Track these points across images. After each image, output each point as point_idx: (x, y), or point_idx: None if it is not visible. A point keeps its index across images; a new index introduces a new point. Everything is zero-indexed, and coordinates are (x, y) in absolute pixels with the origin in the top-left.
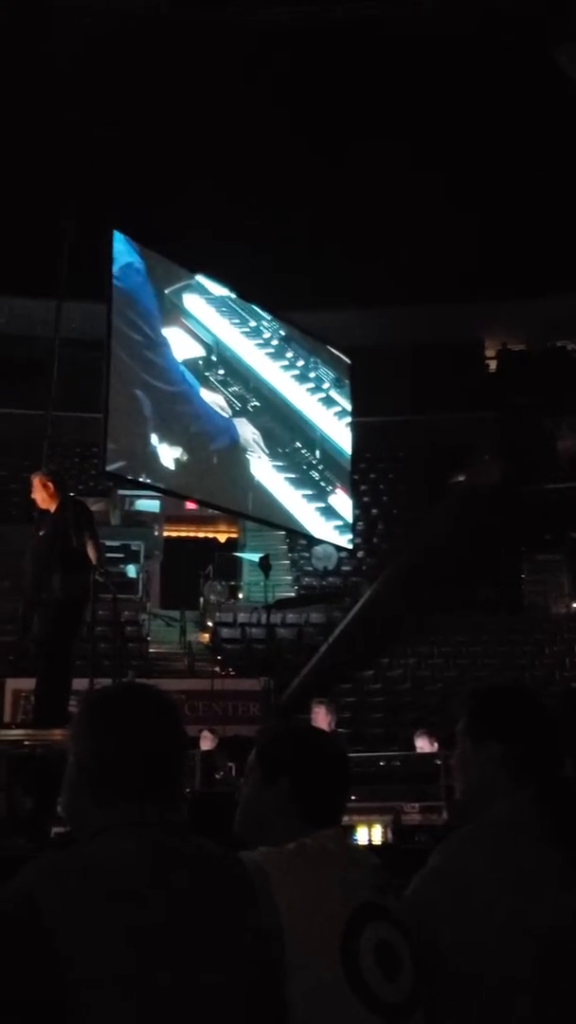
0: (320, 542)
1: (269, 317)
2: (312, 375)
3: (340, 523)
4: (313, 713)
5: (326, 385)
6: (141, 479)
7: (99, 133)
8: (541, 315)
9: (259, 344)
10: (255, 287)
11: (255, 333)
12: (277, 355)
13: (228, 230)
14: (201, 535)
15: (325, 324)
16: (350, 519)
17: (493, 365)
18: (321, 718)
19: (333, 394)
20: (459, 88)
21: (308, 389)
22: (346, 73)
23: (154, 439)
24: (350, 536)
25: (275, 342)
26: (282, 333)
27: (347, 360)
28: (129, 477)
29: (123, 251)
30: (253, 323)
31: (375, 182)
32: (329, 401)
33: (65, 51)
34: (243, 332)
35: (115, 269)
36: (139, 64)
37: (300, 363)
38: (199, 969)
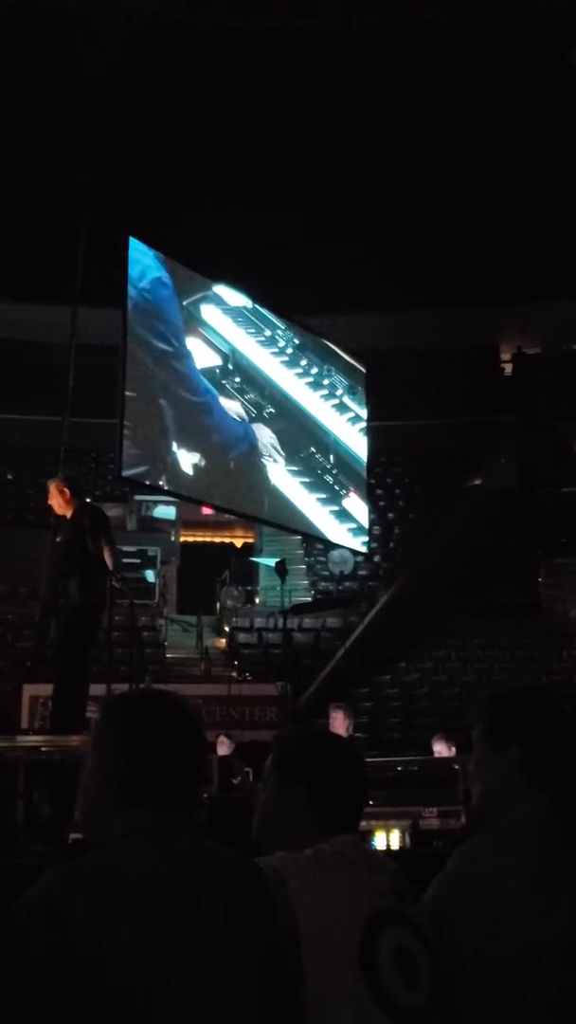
0: (336, 546)
1: (283, 326)
2: (326, 382)
3: (354, 526)
4: (331, 718)
5: (339, 391)
6: (159, 484)
7: (115, 140)
8: (556, 318)
9: (274, 352)
10: (270, 292)
11: (270, 342)
12: (291, 363)
13: (243, 236)
14: (218, 540)
15: (340, 328)
16: (365, 523)
17: (509, 368)
18: (339, 723)
19: (347, 400)
20: (473, 92)
21: (322, 396)
22: (359, 80)
23: (175, 447)
24: (364, 539)
25: (289, 350)
26: (296, 341)
27: (362, 368)
28: (147, 482)
29: (151, 265)
30: (268, 332)
31: (390, 186)
32: (343, 407)
33: (80, 60)
34: (258, 341)
35: (145, 282)
36: (153, 73)
37: (314, 370)
38: (217, 974)
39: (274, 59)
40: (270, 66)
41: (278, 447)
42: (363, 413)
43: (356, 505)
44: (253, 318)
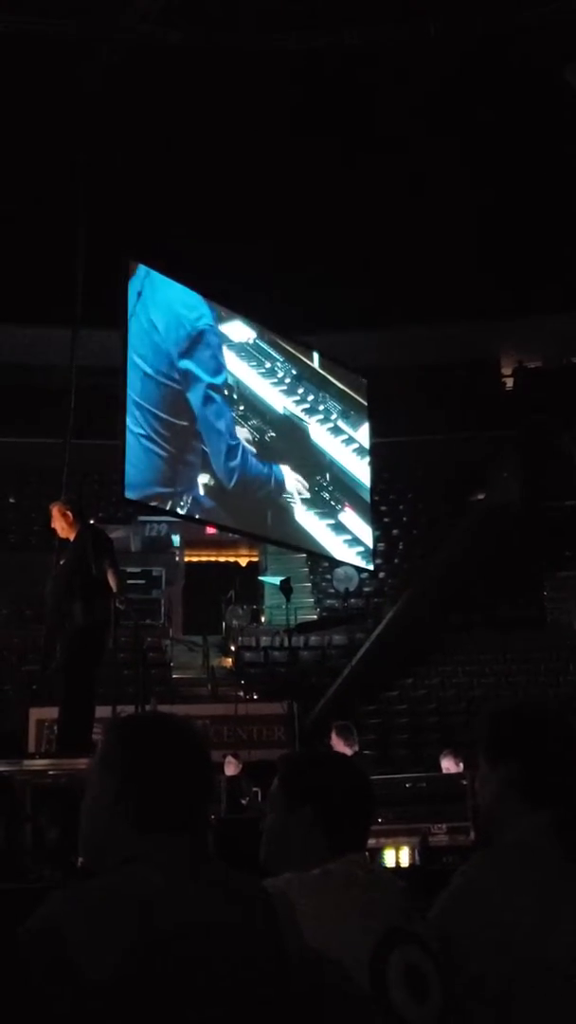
0: (341, 564)
1: (282, 359)
2: (321, 407)
3: (349, 537)
4: (332, 740)
5: (333, 416)
6: (176, 510)
7: (113, 162)
8: (557, 332)
9: (274, 383)
10: (269, 311)
11: (270, 373)
12: (289, 391)
13: (241, 254)
14: (222, 559)
15: (340, 345)
16: (361, 535)
17: (510, 383)
18: (340, 746)
19: (340, 423)
20: (471, 107)
21: (318, 420)
22: (358, 96)
23: (202, 478)
24: (360, 549)
25: (288, 380)
26: (293, 372)
27: (357, 396)
28: (153, 504)
29: (198, 305)
30: (268, 364)
31: (389, 202)
32: (337, 430)
33: (78, 82)
34: (259, 373)
35: (203, 322)
36: (151, 94)
37: (310, 397)
38: (226, 999)
39: (270, 77)
40: (266, 84)
41: (302, 489)
42: (356, 435)
43: (352, 519)
44: (254, 352)
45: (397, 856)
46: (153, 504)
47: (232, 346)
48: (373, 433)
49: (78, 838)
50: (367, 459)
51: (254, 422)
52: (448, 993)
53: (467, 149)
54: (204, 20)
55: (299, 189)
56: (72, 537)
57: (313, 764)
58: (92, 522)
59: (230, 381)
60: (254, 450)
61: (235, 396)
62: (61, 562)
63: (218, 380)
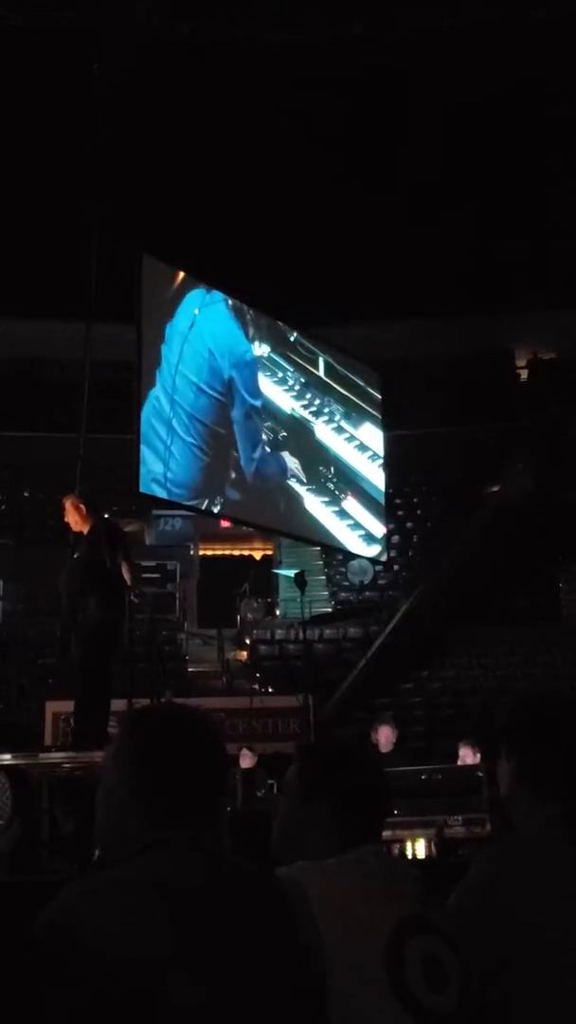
0: (355, 556)
1: (292, 368)
2: (327, 410)
3: (351, 522)
4: (378, 731)
5: (337, 417)
6: (203, 507)
7: (126, 156)
8: (572, 324)
9: (285, 389)
10: (285, 304)
11: (282, 381)
12: (299, 396)
13: (256, 247)
14: (236, 553)
15: (355, 338)
16: (363, 521)
17: (524, 374)
18: (384, 736)
19: (343, 424)
20: (485, 98)
21: (324, 421)
22: (368, 88)
23: (230, 480)
24: (361, 532)
25: (297, 387)
26: (302, 380)
27: (361, 399)
28: (165, 497)
29: (232, 331)
30: (280, 374)
31: (402, 194)
32: (340, 429)
33: (90, 77)
34: (273, 381)
35: (234, 346)
36: (163, 87)
37: (317, 401)
38: (239, 989)
39: (282, 70)
40: (277, 77)
41: (299, 472)
42: (357, 433)
43: (353, 506)
44: (268, 364)
45: (413, 848)
46: (191, 503)
47: (260, 366)
48: (387, 426)
49: (94, 831)
50: (368, 453)
51: (269, 423)
52: (466, 981)
53: (482, 140)
54: (215, 12)
55: (314, 181)
56: (86, 531)
57: (332, 757)
58: (106, 515)
59: (264, 400)
60: (268, 449)
61: (266, 411)
62: (75, 556)
63: (257, 402)
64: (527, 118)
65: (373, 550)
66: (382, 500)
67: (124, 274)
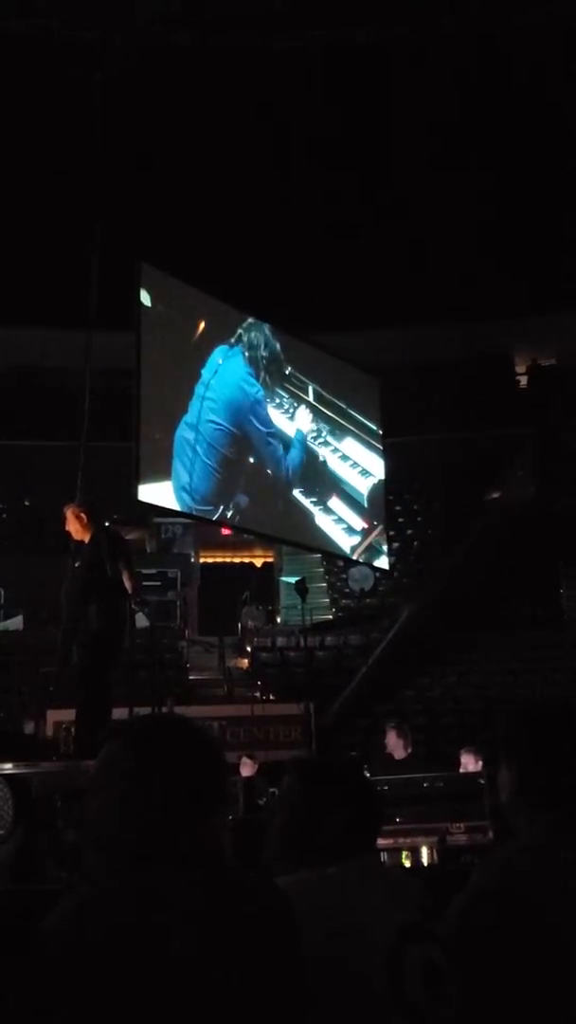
0: (357, 564)
1: (286, 395)
2: (315, 427)
3: (335, 517)
4: (386, 736)
5: (323, 433)
6: (214, 518)
7: (126, 164)
8: (571, 329)
9: (282, 412)
10: (281, 310)
11: (278, 406)
12: (291, 417)
13: (254, 253)
14: (237, 560)
15: (354, 345)
16: (344, 517)
17: (524, 380)
18: (398, 743)
19: (328, 439)
20: (486, 101)
21: (312, 436)
22: (370, 92)
23: (241, 493)
24: (344, 526)
25: (290, 409)
26: (294, 404)
27: (351, 426)
28: (164, 505)
29: (246, 375)
30: (277, 400)
31: (402, 199)
32: (325, 443)
33: (93, 83)
34: (272, 406)
35: (248, 388)
36: (163, 95)
37: (310, 422)
38: (235, 998)
39: (282, 76)
40: (278, 83)
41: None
42: (341, 446)
43: (338, 505)
44: (269, 395)
45: (415, 856)
46: (200, 512)
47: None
48: (386, 432)
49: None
50: (349, 462)
51: (276, 443)
52: (464, 990)
53: (483, 145)
54: (216, 21)
55: (310, 188)
56: (87, 539)
57: (329, 774)
58: (108, 524)
59: (275, 428)
60: (279, 465)
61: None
62: (76, 564)
63: (272, 429)
64: (528, 125)
65: (349, 537)
66: (364, 503)
67: (125, 282)
